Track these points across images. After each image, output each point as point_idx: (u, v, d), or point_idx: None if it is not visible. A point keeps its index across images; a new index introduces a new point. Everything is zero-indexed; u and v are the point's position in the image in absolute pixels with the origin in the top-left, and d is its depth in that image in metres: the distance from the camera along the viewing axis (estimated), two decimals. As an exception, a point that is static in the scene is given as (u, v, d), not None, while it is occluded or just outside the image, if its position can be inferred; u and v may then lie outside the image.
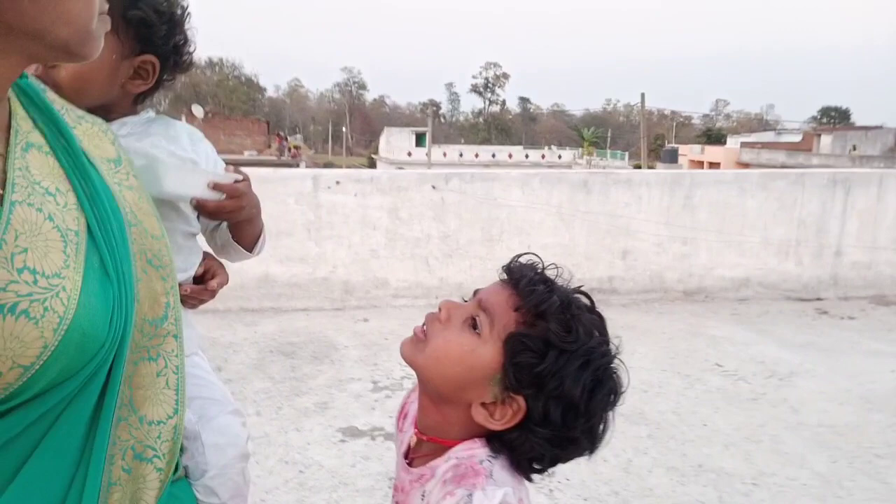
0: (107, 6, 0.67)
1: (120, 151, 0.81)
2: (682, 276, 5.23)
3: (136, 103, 1.18)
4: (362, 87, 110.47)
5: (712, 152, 43.49)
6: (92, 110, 0.86)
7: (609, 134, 73.47)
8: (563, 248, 4.98)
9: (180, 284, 1.10)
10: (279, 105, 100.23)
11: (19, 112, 0.69)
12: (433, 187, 4.78)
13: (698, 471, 2.67)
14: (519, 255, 0.83)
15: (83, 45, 0.63)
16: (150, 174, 0.96)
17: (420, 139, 42.81)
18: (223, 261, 1.34)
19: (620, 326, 4.58)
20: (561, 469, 2.68)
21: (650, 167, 42.03)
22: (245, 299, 4.66)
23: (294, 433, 2.93)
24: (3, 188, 0.60)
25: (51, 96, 0.76)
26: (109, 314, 0.65)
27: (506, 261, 0.82)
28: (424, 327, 0.82)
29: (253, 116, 59.10)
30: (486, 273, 4.84)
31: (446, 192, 4.77)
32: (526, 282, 0.77)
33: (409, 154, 41.10)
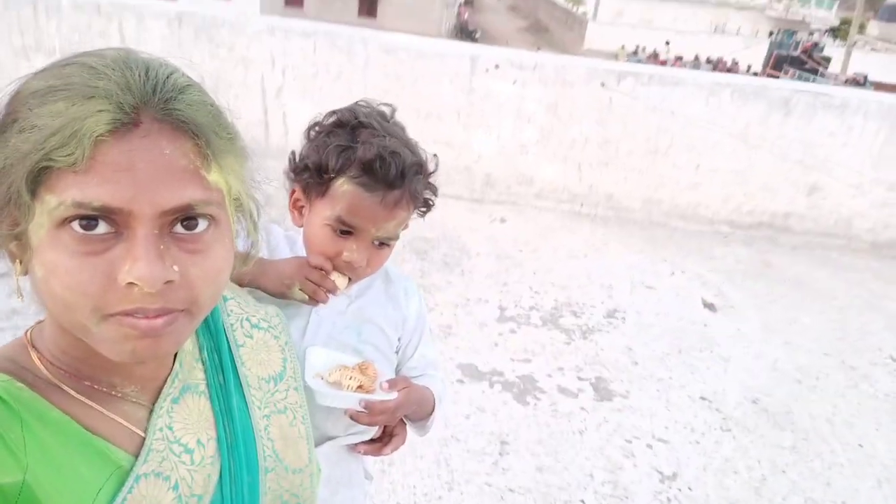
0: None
1: (287, 358, 0.79)
2: (876, 225, 4.45)
3: None
4: None
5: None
6: None
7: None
8: (735, 174, 4.32)
9: (356, 444, 1.11)
10: None
11: (188, 346, 0.69)
12: (602, 85, 4.19)
13: (841, 511, 2.39)
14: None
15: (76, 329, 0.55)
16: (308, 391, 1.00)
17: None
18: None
19: (785, 279, 4.05)
20: (685, 475, 2.50)
21: (861, 26, 35.40)
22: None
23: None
24: (138, 453, 0.60)
25: (230, 307, 0.75)
26: None
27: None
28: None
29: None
30: (640, 187, 4.36)
31: (616, 94, 4.18)
32: None
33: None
